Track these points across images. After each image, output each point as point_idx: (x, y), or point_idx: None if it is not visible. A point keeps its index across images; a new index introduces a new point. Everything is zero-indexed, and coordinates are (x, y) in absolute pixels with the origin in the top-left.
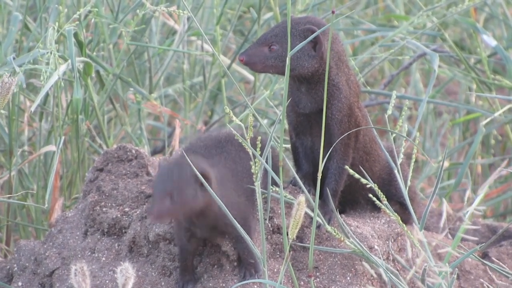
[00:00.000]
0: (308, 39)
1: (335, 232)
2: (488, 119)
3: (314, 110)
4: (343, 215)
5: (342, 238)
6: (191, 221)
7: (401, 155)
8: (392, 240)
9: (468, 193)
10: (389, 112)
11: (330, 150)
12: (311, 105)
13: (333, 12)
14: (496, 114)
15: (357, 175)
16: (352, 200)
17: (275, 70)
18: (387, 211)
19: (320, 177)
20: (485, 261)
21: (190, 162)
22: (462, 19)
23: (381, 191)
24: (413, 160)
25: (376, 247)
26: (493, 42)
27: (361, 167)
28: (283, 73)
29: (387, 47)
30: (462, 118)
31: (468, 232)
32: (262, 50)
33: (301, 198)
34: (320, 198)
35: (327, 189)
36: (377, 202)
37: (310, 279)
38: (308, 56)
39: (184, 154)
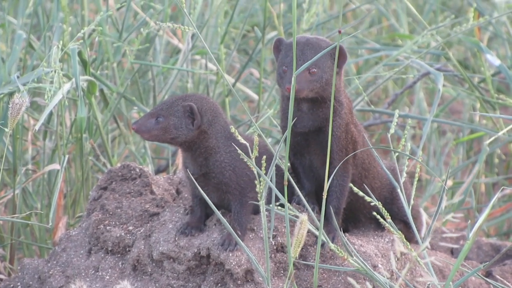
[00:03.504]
0: (328, 49)
1: (338, 250)
2: (492, 138)
3: (313, 129)
4: (346, 234)
5: (345, 256)
6: (184, 156)
7: (404, 174)
8: (396, 259)
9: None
10: (392, 131)
11: (330, 167)
12: (312, 124)
13: (339, 32)
14: (500, 133)
15: (361, 193)
16: (354, 218)
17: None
18: (391, 229)
19: (325, 196)
20: (488, 280)
21: (184, 99)
22: (466, 38)
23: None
24: (416, 178)
25: (380, 265)
26: (496, 62)
27: (361, 185)
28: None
29: (391, 66)
30: (466, 137)
31: (471, 250)
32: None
33: (303, 216)
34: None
35: (330, 207)
36: (381, 220)
37: None
38: (336, 74)
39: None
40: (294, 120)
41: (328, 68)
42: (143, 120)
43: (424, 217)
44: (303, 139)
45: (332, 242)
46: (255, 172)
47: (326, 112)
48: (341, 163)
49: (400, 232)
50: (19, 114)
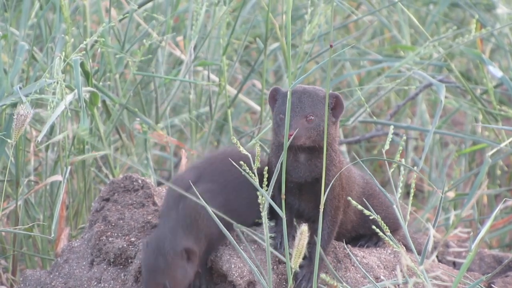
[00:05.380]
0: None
1: (329, 279)
2: (494, 150)
3: (310, 180)
4: (349, 245)
5: (335, 284)
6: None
7: (399, 189)
8: (400, 270)
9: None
10: (387, 147)
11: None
12: (309, 175)
13: (331, 46)
14: (502, 144)
15: (365, 211)
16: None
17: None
18: (391, 243)
19: (322, 209)
20: None
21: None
22: (468, 50)
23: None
24: (413, 190)
25: (382, 277)
26: (499, 73)
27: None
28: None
29: (394, 77)
30: (468, 149)
31: (473, 262)
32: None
33: (304, 227)
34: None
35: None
36: (381, 234)
37: None
38: (332, 123)
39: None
40: (289, 169)
41: (325, 117)
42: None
43: (431, 231)
44: (296, 187)
45: (308, 283)
46: (256, 185)
47: (322, 163)
48: (333, 209)
49: (402, 246)
50: (24, 125)
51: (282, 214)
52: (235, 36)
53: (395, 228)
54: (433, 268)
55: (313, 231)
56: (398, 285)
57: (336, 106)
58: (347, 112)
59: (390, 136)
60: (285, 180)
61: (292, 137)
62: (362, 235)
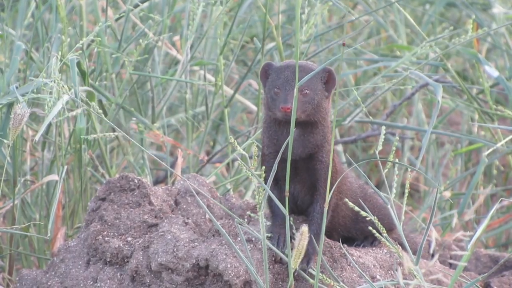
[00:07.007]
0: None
1: (324, 278)
2: (490, 150)
3: (304, 156)
4: (345, 245)
5: (332, 283)
6: None
7: (394, 190)
8: (394, 270)
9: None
10: (379, 148)
11: (314, 194)
12: (303, 150)
13: (344, 44)
14: (498, 144)
15: (357, 208)
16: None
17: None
18: (387, 243)
19: (327, 209)
20: None
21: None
22: (465, 50)
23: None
24: (407, 190)
25: (378, 277)
26: (495, 73)
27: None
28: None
29: (390, 77)
30: (464, 149)
31: (469, 262)
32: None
33: (304, 228)
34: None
35: (309, 233)
36: (377, 235)
37: None
38: (325, 97)
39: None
40: (284, 147)
41: (319, 91)
42: None
43: (434, 233)
44: (292, 167)
45: (307, 266)
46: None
47: (317, 138)
48: (326, 191)
49: (398, 246)
50: (21, 124)
51: (286, 211)
52: (232, 36)
53: (389, 229)
54: (429, 267)
55: (307, 215)
56: (395, 285)
57: (329, 80)
58: (344, 112)
59: (382, 136)
60: (280, 160)
61: (289, 111)
62: (355, 238)
